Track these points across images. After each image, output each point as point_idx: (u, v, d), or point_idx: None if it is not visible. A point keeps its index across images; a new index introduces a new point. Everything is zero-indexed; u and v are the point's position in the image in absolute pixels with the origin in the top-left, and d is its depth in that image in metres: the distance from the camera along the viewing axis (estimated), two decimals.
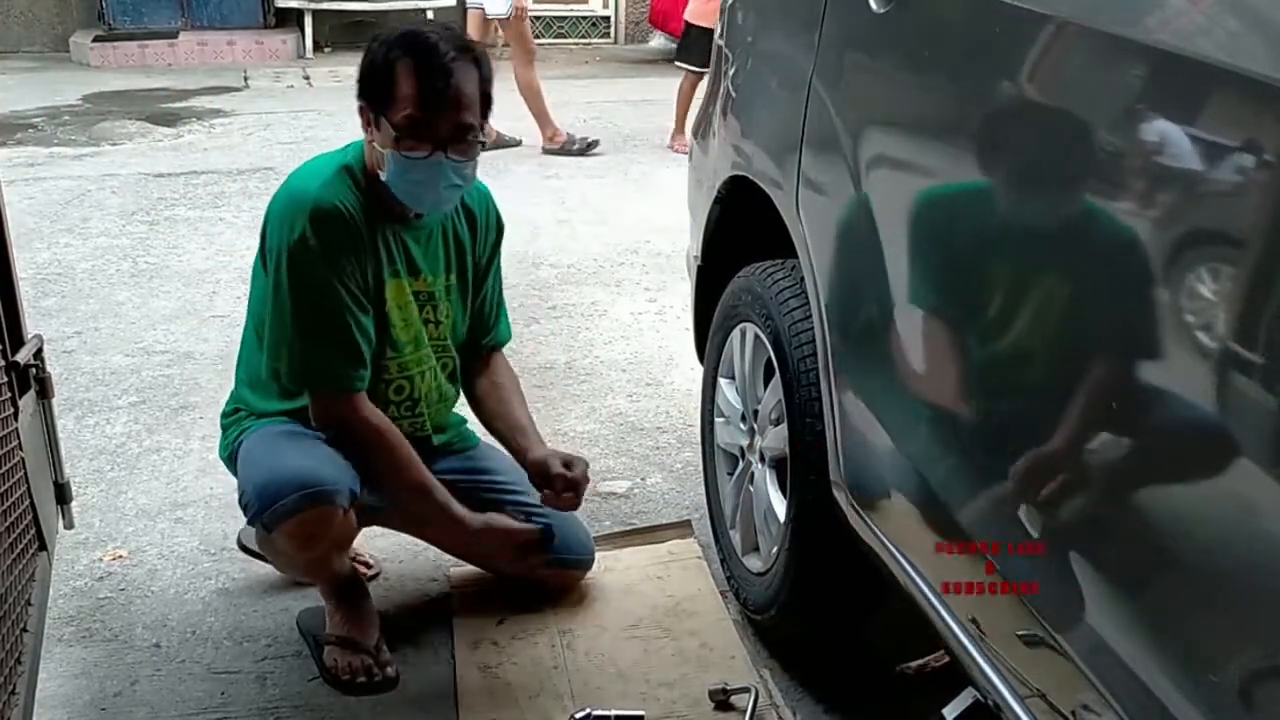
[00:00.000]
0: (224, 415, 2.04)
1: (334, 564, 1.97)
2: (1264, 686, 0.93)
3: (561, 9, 10.00)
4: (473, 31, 5.83)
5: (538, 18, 10.00)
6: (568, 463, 2.02)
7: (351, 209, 1.81)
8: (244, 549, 2.22)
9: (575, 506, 2.03)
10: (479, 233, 2.03)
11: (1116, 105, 1.10)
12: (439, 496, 1.94)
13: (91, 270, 4.04)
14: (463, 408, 2.17)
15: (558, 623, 2.07)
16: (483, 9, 5.79)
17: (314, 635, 2.00)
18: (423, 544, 2.34)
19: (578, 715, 1.79)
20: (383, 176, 1.81)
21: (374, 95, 1.80)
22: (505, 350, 2.21)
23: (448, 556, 2.30)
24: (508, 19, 5.76)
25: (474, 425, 2.20)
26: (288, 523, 1.80)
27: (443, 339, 2.02)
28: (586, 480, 2.03)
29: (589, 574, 2.18)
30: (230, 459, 1.99)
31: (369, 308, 1.87)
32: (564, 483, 1.99)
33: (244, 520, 2.28)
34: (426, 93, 1.76)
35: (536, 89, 5.87)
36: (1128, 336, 1.07)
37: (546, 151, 5.89)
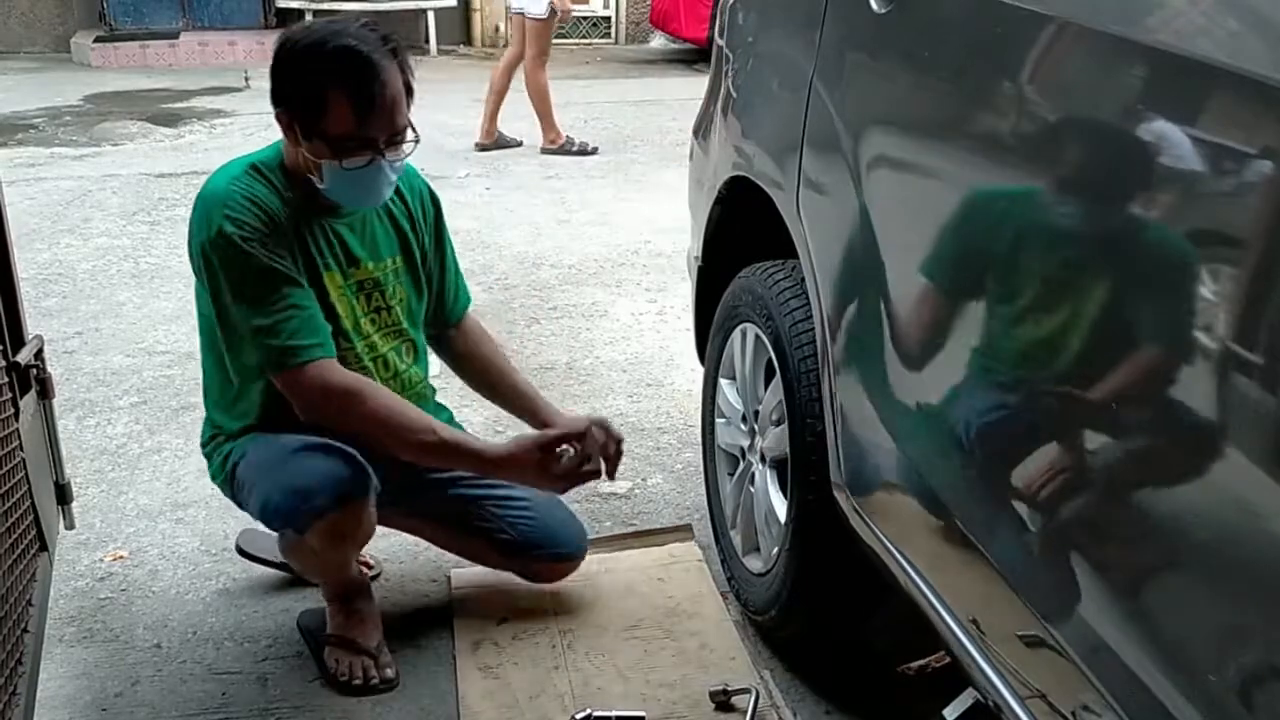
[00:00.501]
0: (203, 444, 2.02)
1: (353, 562, 1.97)
2: (1264, 686, 0.93)
3: None
4: (517, 36, 5.86)
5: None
6: (601, 424, 1.96)
7: (265, 201, 1.78)
8: (243, 554, 2.22)
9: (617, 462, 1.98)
10: (414, 210, 1.99)
11: (1117, 105, 1.10)
12: (449, 436, 1.87)
13: (92, 270, 4.04)
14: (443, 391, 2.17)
15: (558, 623, 2.07)
16: (524, 12, 5.81)
17: (315, 635, 2.00)
18: (423, 544, 2.34)
19: (578, 716, 1.79)
20: (320, 185, 1.79)
21: (300, 109, 1.75)
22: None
23: (448, 557, 2.30)
24: (546, 19, 5.76)
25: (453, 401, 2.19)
26: (321, 522, 1.79)
27: (396, 324, 1.97)
28: (621, 438, 1.98)
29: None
30: (227, 481, 1.96)
31: (306, 285, 1.81)
32: (611, 445, 1.95)
33: (244, 521, 2.28)
34: (362, 108, 1.72)
35: (544, 91, 5.89)
36: (1128, 336, 1.07)
37: (545, 152, 5.90)
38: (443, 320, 2.11)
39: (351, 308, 1.90)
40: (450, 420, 2.11)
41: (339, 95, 1.71)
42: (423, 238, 2.02)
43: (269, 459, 1.85)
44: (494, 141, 5.95)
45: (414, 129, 1.81)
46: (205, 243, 1.76)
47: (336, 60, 1.71)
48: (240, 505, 1.97)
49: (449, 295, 2.10)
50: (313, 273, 1.84)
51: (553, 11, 5.75)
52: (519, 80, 5.85)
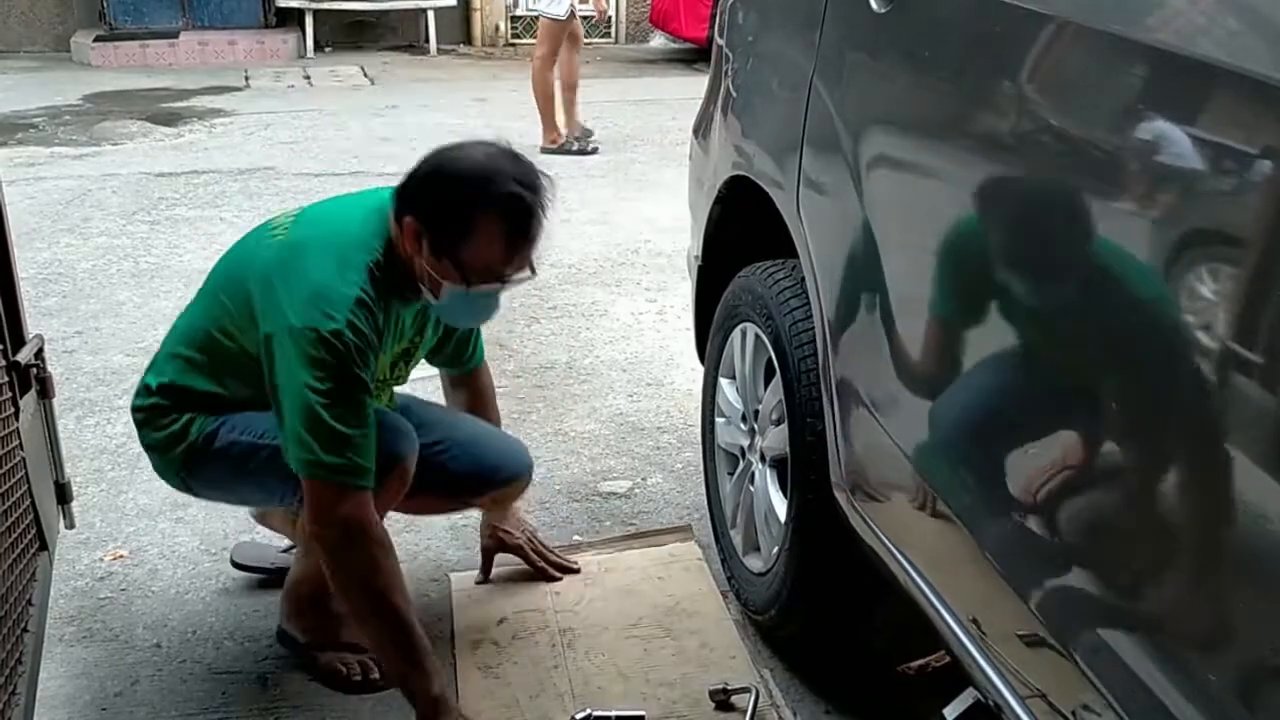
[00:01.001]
0: (141, 409, 1.87)
1: None
2: (1264, 686, 0.93)
3: None
4: (544, 39, 5.89)
5: (538, 18, 10.01)
6: (529, 540, 2.17)
7: (377, 310, 1.71)
8: (238, 566, 2.22)
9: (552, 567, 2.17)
10: None
11: (1117, 105, 1.10)
12: (421, 644, 1.73)
13: (92, 270, 4.04)
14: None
15: (558, 623, 2.07)
16: (543, 14, 5.87)
17: (300, 643, 1.98)
18: (423, 544, 2.35)
19: (578, 716, 1.79)
20: (430, 299, 1.76)
21: (443, 232, 1.68)
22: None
23: (449, 556, 2.31)
24: (564, 20, 5.81)
25: None
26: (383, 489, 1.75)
27: (405, 375, 2.00)
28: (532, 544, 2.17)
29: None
30: (186, 459, 1.85)
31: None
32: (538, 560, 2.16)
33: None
34: (514, 253, 1.70)
35: (550, 91, 5.93)
36: (1128, 337, 1.07)
37: (544, 151, 5.90)
38: (454, 367, 2.15)
39: (384, 372, 1.89)
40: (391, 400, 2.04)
41: (494, 237, 1.68)
42: None
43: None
44: (558, 147, 6.01)
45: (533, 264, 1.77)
46: (312, 330, 1.64)
47: (500, 202, 1.67)
48: (200, 486, 1.91)
49: (465, 351, 2.10)
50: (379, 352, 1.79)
51: (571, 14, 5.79)
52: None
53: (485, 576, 2.19)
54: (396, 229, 1.73)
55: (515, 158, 1.73)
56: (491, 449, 2.05)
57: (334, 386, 1.65)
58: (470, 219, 1.68)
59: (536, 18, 6.13)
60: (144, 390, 1.88)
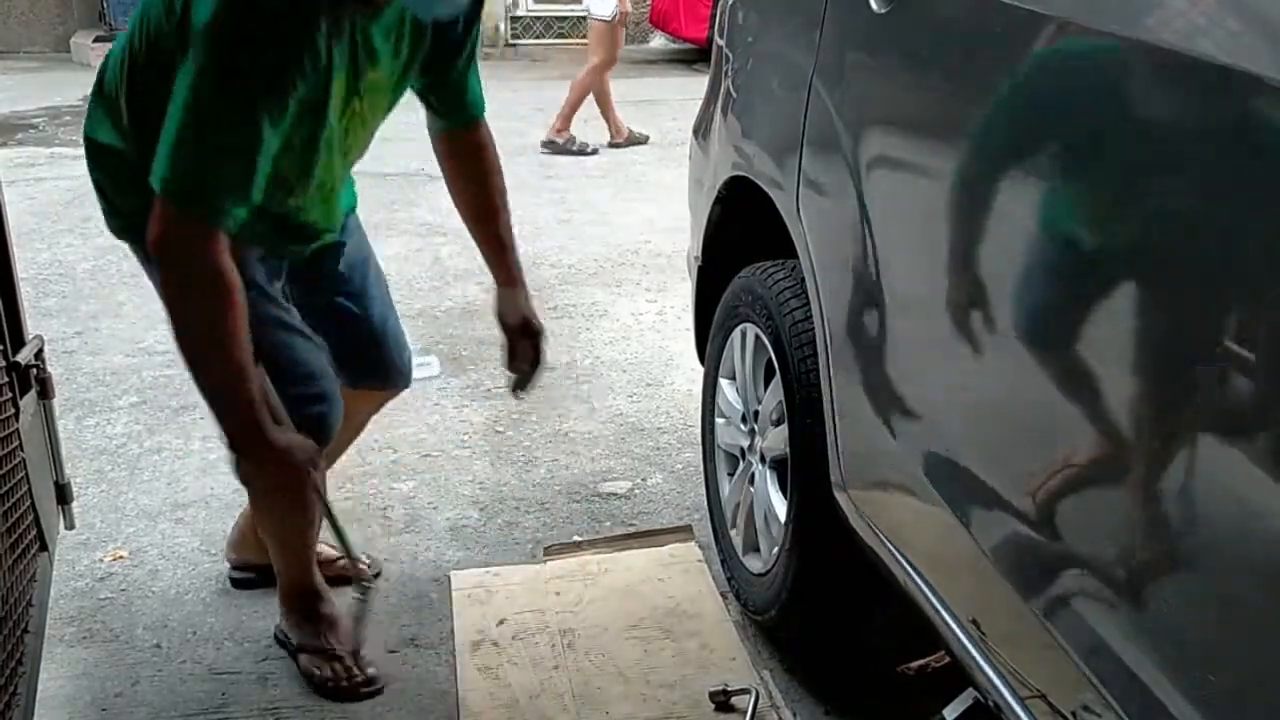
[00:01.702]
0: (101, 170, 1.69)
1: (314, 539, 1.94)
2: (1264, 686, 0.93)
3: (562, 9, 10.00)
4: (596, 46, 5.91)
5: (538, 18, 10.01)
6: (532, 329, 1.93)
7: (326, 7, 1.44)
8: (282, 643, 2.02)
9: (530, 372, 1.94)
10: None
11: (1117, 105, 1.10)
12: (252, 391, 1.54)
13: (92, 270, 4.04)
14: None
15: (558, 623, 2.07)
16: (589, 13, 5.88)
17: (290, 644, 1.99)
18: (423, 544, 2.35)
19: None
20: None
21: None
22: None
23: (449, 557, 2.30)
24: (610, 22, 5.81)
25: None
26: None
27: (365, 141, 1.74)
28: (543, 357, 1.94)
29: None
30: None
31: (285, 124, 1.48)
32: (528, 349, 1.93)
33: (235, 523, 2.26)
34: None
35: (584, 95, 5.97)
36: (1128, 336, 1.07)
37: (545, 144, 5.91)
38: (450, 119, 1.84)
39: (340, 116, 1.60)
40: (353, 204, 1.90)
41: None
42: (456, 31, 1.70)
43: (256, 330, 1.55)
44: (625, 139, 6.10)
45: None
46: (216, 26, 1.39)
47: None
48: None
49: (464, 95, 1.80)
50: (322, 77, 1.50)
51: (618, 17, 5.80)
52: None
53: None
54: None
55: None
56: (386, 353, 1.96)
57: (221, 101, 1.40)
58: None
59: (533, 20, 6.14)
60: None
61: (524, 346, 1.96)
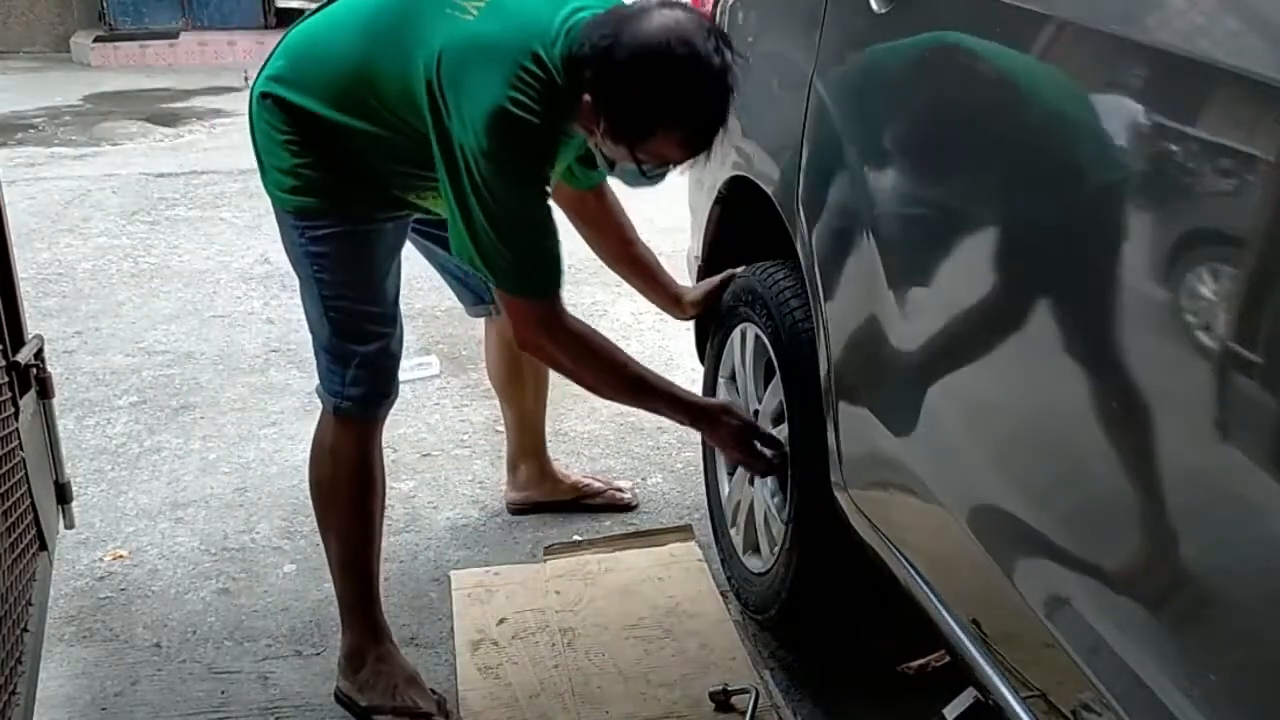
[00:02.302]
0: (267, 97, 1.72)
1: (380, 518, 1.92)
2: (1264, 686, 0.93)
3: None
4: None
5: None
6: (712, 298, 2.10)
7: (549, 116, 1.59)
8: (347, 706, 1.89)
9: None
10: None
11: (1117, 105, 1.10)
12: (662, 385, 1.81)
13: (92, 270, 4.04)
14: None
15: (558, 623, 2.07)
16: None
17: (363, 708, 1.86)
18: (423, 545, 2.35)
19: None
20: (606, 172, 1.74)
21: (622, 128, 1.57)
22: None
23: (449, 557, 2.31)
24: None
25: None
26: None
27: None
28: None
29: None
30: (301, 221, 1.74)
31: None
32: None
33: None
34: (692, 154, 1.61)
35: None
36: (1128, 336, 1.07)
37: None
38: (580, 185, 2.04)
39: None
40: None
41: (675, 140, 1.58)
42: None
43: (352, 298, 1.76)
44: None
45: None
46: (494, 154, 1.55)
47: (688, 122, 1.56)
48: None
49: (594, 167, 1.93)
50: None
51: None
52: None
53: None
54: (569, 81, 1.58)
55: (712, 47, 1.53)
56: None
57: (517, 202, 1.61)
58: (653, 128, 1.56)
59: None
60: (266, 83, 1.74)
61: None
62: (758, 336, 1.97)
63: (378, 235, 1.78)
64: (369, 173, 1.73)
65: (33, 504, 1.68)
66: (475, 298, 2.22)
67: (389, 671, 1.87)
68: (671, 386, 1.83)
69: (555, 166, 1.72)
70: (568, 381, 1.80)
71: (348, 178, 1.72)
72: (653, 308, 3.69)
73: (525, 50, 1.56)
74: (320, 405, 1.86)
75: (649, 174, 1.64)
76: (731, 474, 2.18)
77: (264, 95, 1.72)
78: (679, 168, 1.69)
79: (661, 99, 1.53)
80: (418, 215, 1.87)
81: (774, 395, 1.92)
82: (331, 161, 1.71)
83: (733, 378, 2.16)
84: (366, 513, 1.88)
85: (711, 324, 2.22)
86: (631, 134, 1.57)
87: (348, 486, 1.86)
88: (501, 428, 2.63)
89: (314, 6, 1.79)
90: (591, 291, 3.89)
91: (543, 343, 1.73)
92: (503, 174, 1.58)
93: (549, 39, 1.58)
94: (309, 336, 1.85)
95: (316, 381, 1.86)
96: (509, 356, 2.30)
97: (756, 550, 2.04)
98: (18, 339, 1.75)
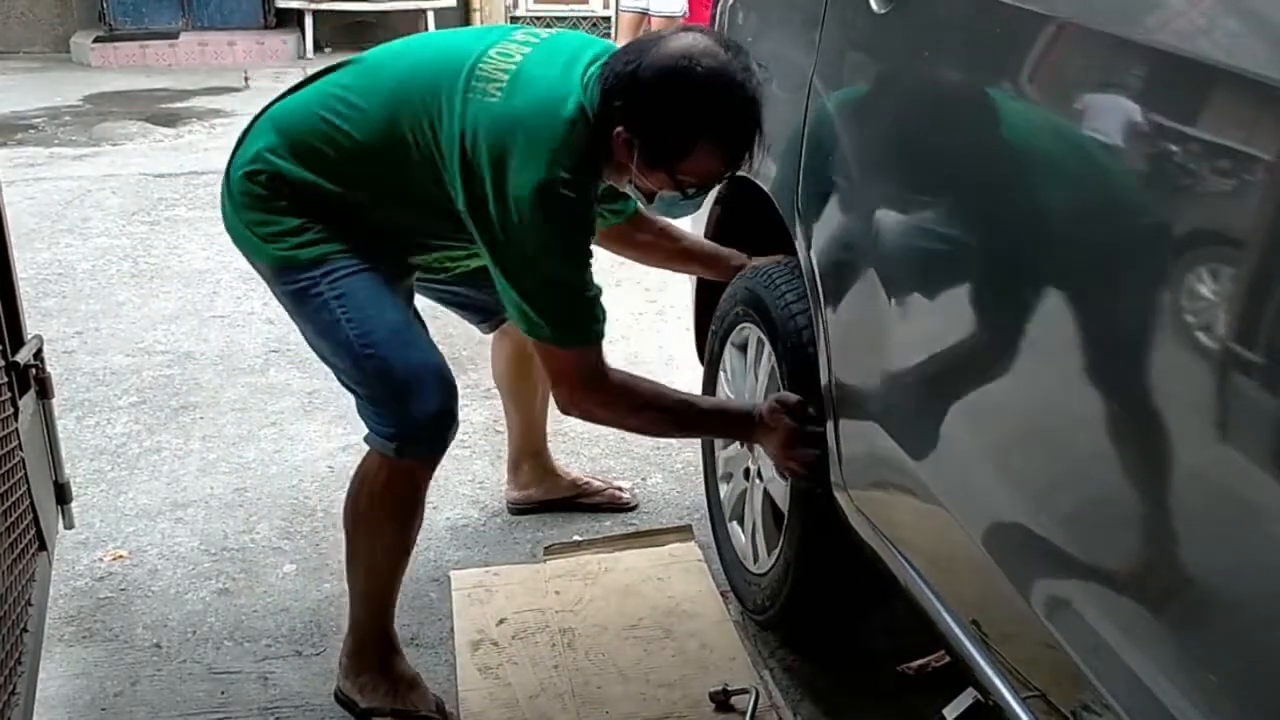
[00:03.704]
0: (252, 174, 1.76)
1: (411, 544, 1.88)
2: (1264, 686, 0.93)
3: (561, 9, 9.99)
4: (625, 35, 5.65)
5: (538, 18, 9.99)
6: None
7: (587, 171, 1.64)
8: (347, 707, 1.89)
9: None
10: None
11: (1118, 106, 1.10)
12: (709, 406, 1.88)
13: (92, 270, 4.04)
14: None
15: (558, 623, 2.07)
16: (644, 11, 5.46)
17: (363, 704, 1.85)
18: (423, 544, 2.34)
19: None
20: (642, 206, 1.74)
21: (659, 151, 1.59)
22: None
23: (449, 557, 2.31)
24: (679, 18, 5.42)
25: None
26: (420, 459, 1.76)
27: None
28: None
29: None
30: (281, 273, 1.73)
31: None
32: None
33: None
34: (734, 165, 1.63)
35: None
36: (1128, 336, 1.07)
37: None
38: (617, 219, 2.07)
39: None
40: None
41: (714, 152, 1.59)
42: None
43: (384, 330, 1.70)
44: None
45: None
46: (539, 186, 1.57)
47: (726, 132, 1.58)
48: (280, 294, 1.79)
49: (630, 204, 2.02)
50: None
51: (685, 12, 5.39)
52: None
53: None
54: (599, 124, 1.60)
55: (734, 58, 1.56)
56: None
57: (574, 243, 1.65)
58: (691, 143, 1.57)
59: (534, 20, 5.79)
60: (257, 159, 1.76)
61: None
62: (757, 337, 1.97)
63: (393, 271, 1.78)
64: (377, 230, 1.74)
65: (32, 504, 1.68)
66: (481, 316, 2.22)
67: (390, 674, 1.86)
68: (720, 404, 1.88)
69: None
70: None
71: (359, 228, 1.73)
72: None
73: (557, 122, 1.59)
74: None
75: (692, 195, 1.66)
76: (731, 474, 2.18)
77: (255, 172, 1.74)
78: (719, 183, 1.71)
79: (695, 112, 1.55)
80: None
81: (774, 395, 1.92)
82: (338, 219, 1.72)
83: (733, 377, 2.16)
84: (404, 549, 1.84)
85: (711, 324, 2.22)
86: (670, 155, 1.59)
87: (393, 529, 1.81)
88: (502, 428, 2.63)
89: (297, 82, 1.81)
90: None
91: (588, 402, 1.73)
92: (549, 248, 1.61)
93: (573, 99, 1.61)
94: None
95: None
96: (518, 357, 2.30)
97: (756, 550, 2.04)
98: (17, 339, 1.75)
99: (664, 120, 1.56)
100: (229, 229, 1.80)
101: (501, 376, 2.40)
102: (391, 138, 1.67)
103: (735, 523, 2.14)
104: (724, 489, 2.20)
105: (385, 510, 1.78)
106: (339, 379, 1.78)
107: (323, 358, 1.79)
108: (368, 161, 1.69)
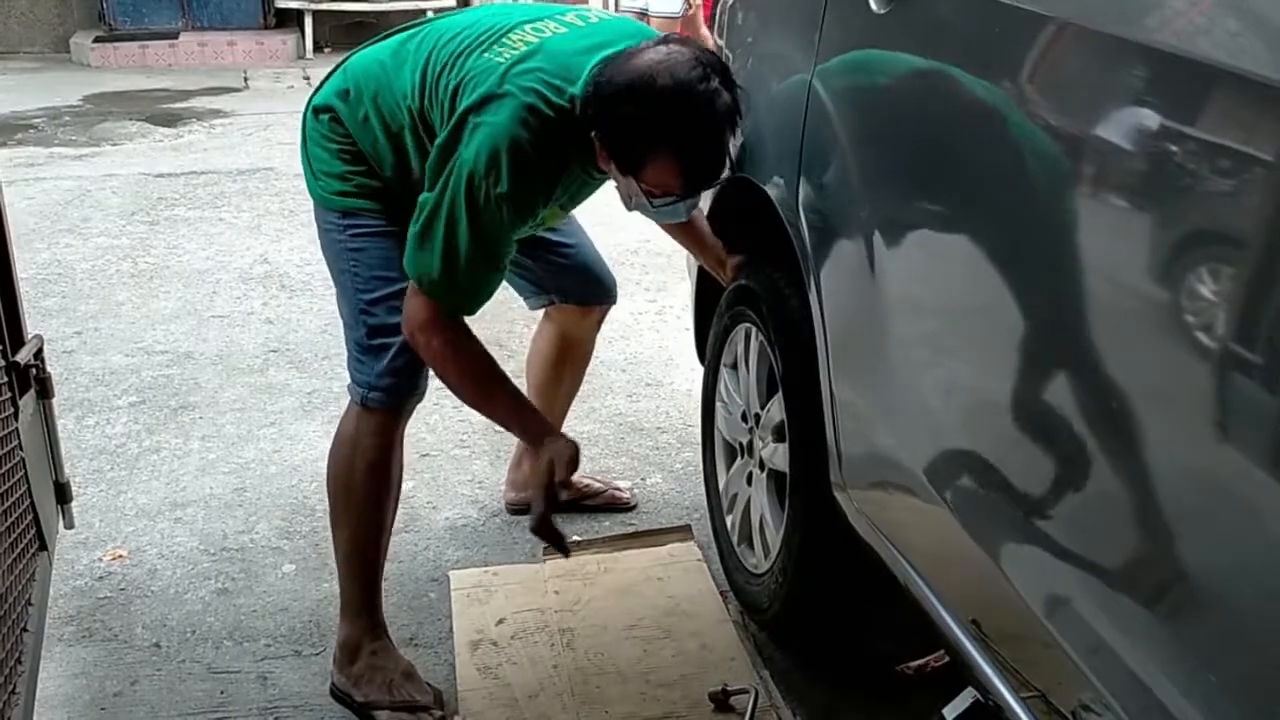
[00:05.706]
0: (326, 116, 1.82)
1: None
2: (1264, 686, 0.93)
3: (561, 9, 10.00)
4: None
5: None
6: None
7: (553, 157, 1.67)
8: (344, 702, 1.90)
9: None
10: None
11: (1117, 106, 1.10)
12: (520, 401, 1.83)
13: (91, 270, 4.04)
14: None
15: (558, 623, 2.07)
16: (644, 11, 5.36)
17: (359, 703, 1.86)
18: (422, 544, 2.35)
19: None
20: (624, 206, 1.74)
21: (622, 158, 1.63)
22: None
23: (448, 556, 2.31)
24: (679, 17, 5.30)
25: None
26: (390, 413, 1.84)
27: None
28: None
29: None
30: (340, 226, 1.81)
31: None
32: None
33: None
34: (692, 185, 1.66)
35: None
36: (1129, 337, 1.07)
37: None
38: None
39: (548, 214, 1.88)
40: None
41: (669, 166, 1.61)
42: None
43: (384, 291, 1.79)
44: None
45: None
46: (480, 182, 1.61)
47: (679, 147, 1.59)
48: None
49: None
50: (553, 201, 1.79)
51: (689, 8, 5.28)
52: None
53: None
54: (582, 122, 1.64)
55: (699, 77, 1.57)
56: (603, 269, 2.26)
57: (483, 229, 1.64)
58: (645, 156, 1.61)
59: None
60: (327, 96, 1.83)
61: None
62: (757, 337, 1.97)
63: None
64: (406, 193, 1.77)
65: (32, 504, 1.68)
66: (534, 289, 2.24)
67: (384, 665, 1.87)
68: (531, 406, 1.87)
69: (549, 205, 1.78)
70: None
71: (400, 186, 1.79)
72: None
73: (540, 90, 1.63)
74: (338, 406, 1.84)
75: (656, 205, 1.69)
76: (731, 475, 2.17)
77: (323, 109, 1.83)
78: (690, 200, 1.73)
79: (647, 126, 1.58)
80: None
81: (774, 395, 1.92)
82: (381, 173, 1.80)
83: (734, 366, 2.16)
84: (380, 509, 1.88)
85: (711, 323, 2.22)
86: (628, 163, 1.63)
87: (364, 481, 1.85)
88: (497, 430, 2.63)
89: (377, 37, 1.89)
90: None
91: (429, 339, 1.72)
92: (485, 200, 1.63)
93: (572, 81, 1.65)
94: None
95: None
96: (556, 356, 2.32)
97: (756, 550, 2.04)
98: (17, 339, 1.75)
99: (620, 131, 1.61)
100: (301, 160, 1.91)
101: (534, 360, 2.39)
102: (416, 88, 1.74)
103: (745, 545, 2.13)
104: (729, 519, 2.20)
105: (357, 464, 1.85)
106: (341, 319, 1.89)
107: (337, 294, 1.89)
108: (409, 113, 1.75)
